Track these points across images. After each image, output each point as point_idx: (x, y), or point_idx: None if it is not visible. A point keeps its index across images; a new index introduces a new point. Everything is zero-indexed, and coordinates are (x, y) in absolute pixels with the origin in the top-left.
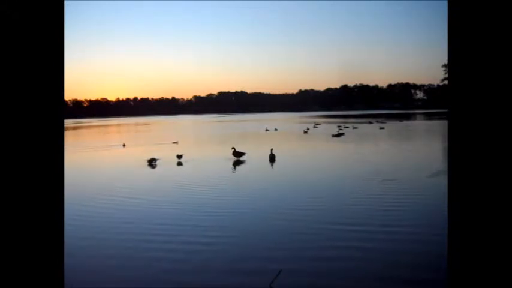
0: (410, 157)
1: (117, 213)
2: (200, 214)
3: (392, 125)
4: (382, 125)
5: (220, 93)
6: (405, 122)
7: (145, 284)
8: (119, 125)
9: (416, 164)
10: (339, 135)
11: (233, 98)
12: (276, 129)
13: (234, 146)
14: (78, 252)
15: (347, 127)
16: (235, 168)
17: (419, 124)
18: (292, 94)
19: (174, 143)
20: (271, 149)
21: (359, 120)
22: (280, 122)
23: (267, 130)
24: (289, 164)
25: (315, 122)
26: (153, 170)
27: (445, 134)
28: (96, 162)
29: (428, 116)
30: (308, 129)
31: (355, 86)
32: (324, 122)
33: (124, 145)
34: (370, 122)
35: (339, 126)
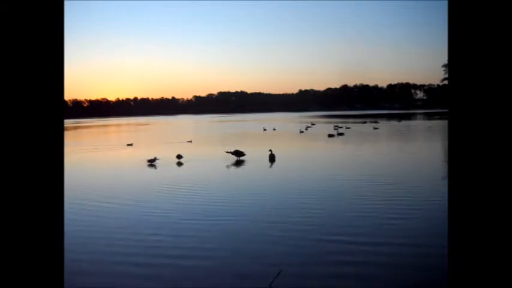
0: (409, 158)
1: (117, 218)
2: (198, 220)
3: (386, 125)
4: (376, 125)
5: (220, 93)
6: (403, 122)
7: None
8: (122, 124)
9: (416, 166)
10: (336, 135)
11: (233, 98)
12: (274, 129)
13: (233, 149)
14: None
15: (341, 127)
16: (234, 170)
17: (417, 124)
18: (292, 94)
19: (188, 141)
20: (270, 150)
21: (355, 120)
22: (279, 122)
23: (264, 130)
24: (287, 165)
25: (310, 122)
26: (152, 170)
27: (441, 133)
28: (100, 163)
29: (428, 116)
30: (306, 128)
31: (355, 86)
32: (322, 122)
33: (131, 144)
34: (364, 122)
35: (335, 127)
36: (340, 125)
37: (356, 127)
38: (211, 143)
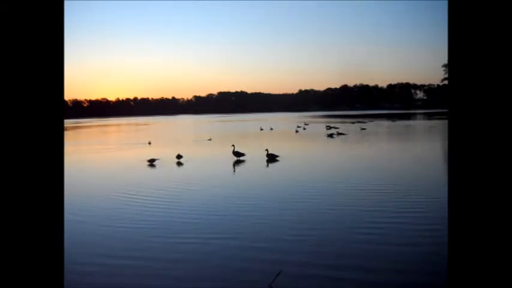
0: (408, 159)
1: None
2: (179, 239)
3: (376, 125)
4: (364, 125)
5: (220, 93)
6: (397, 122)
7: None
8: (124, 124)
9: (416, 170)
10: (336, 134)
11: (233, 98)
12: (271, 129)
13: (233, 144)
14: None
15: (332, 126)
16: (232, 172)
17: (411, 124)
18: (292, 94)
19: (208, 140)
20: (266, 150)
21: (352, 120)
22: (278, 121)
23: (261, 129)
24: (285, 168)
25: (304, 122)
26: (150, 171)
27: (433, 133)
28: (104, 163)
29: (428, 116)
30: (304, 128)
31: (355, 86)
32: (319, 122)
33: (150, 143)
34: (353, 123)
35: (327, 126)
36: (331, 124)
37: (345, 127)
38: (227, 142)
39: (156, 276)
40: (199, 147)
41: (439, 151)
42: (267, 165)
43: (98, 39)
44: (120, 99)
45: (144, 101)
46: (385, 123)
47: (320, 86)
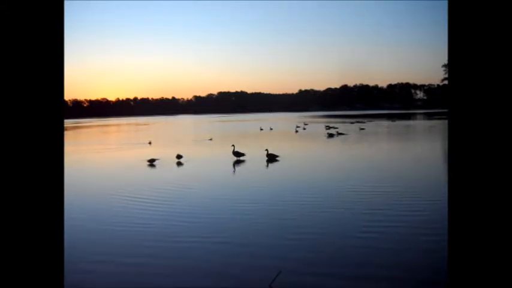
0: (411, 159)
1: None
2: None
3: (374, 125)
4: (363, 125)
5: (220, 93)
6: (397, 122)
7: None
8: (124, 124)
9: (413, 170)
10: (336, 134)
11: (233, 98)
12: (271, 129)
13: (233, 144)
14: None
15: (332, 127)
16: (231, 172)
17: (409, 124)
18: (292, 94)
19: (209, 139)
20: (266, 150)
21: (351, 120)
22: (278, 121)
23: (261, 129)
24: (286, 168)
25: (304, 122)
26: (148, 171)
27: (433, 133)
28: (105, 163)
29: (428, 116)
30: (304, 128)
31: (355, 86)
32: (319, 122)
33: (150, 143)
34: (352, 123)
35: (326, 126)
36: (331, 124)
37: (345, 126)
38: (227, 142)
39: (154, 278)
40: (199, 147)
41: (439, 151)
42: (267, 166)
43: (98, 39)
44: (120, 99)
45: (144, 101)
46: (385, 123)
47: (320, 86)
